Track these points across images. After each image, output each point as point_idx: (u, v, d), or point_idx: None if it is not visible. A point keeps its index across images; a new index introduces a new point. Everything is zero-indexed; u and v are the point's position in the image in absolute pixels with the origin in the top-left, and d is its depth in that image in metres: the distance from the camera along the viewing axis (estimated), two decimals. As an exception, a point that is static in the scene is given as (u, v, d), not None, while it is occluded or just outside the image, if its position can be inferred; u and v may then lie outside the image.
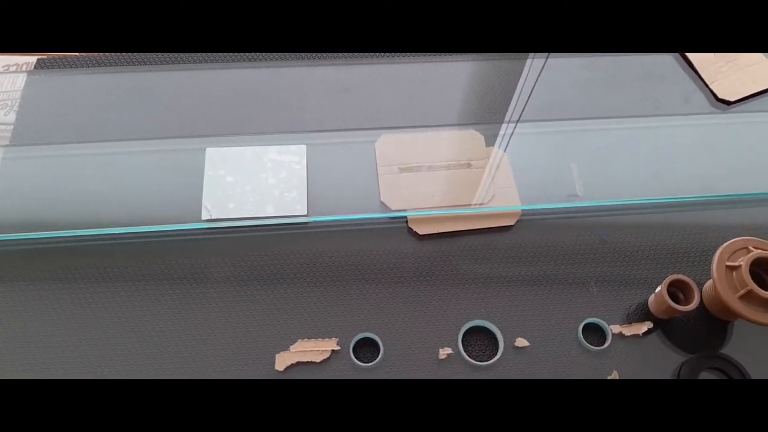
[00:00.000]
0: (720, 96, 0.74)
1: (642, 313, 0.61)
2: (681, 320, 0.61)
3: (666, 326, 0.60)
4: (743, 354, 0.59)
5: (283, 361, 0.56)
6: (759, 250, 0.57)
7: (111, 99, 0.72)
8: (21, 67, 0.76)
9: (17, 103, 0.71)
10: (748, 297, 0.55)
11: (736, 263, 0.56)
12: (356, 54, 0.75)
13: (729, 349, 0.59)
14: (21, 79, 0.73)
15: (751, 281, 0.54)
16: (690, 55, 0.76)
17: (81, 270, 0.60)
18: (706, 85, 0.75)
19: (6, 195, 0.65)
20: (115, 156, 0.67)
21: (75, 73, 0.74)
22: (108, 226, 0.62)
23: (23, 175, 0.66)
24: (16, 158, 0.67)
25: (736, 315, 0.55)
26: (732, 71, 0.75)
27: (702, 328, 0.61)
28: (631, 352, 0.59)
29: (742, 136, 0.72)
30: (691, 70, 0.76)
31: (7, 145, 0.67)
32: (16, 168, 0.66)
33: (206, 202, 0.63)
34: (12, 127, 0.69)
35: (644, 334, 0.60)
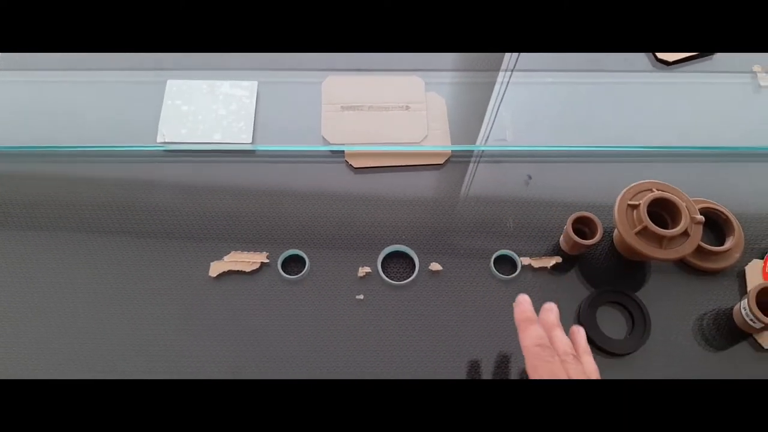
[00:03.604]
0: (660, 56, 0.76)
1: (554, 251, 0.65)
2: (589, 258, 0.65)
3: (575, 262, 0.65)
4: (645, 294, 0.63)
5: (216, 269, 0.62)
6: (660, 192, 0.61)
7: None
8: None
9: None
10: (644, 233, 0.59)
11: (637, 202, 0.60)
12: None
13: (632, 288, 0.63)
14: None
15: (647, 218, 0.58)
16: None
17: (43, 183, 0.68)
18: (648, 46, 0.78)
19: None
20: (88, 84, 0.74)
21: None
22: (75, 144, 0.69)
23: (5, 96, 0.73)
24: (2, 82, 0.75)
25: (634, 251, 0.59)
26: (675, 34, 0.78)
27: (609, 267, 0.65)
28: (538, 283, 0.63)
29: (674, 95, 0.75)
30: (635, 31, 0.79)
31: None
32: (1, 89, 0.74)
33: (162, 127, 0.69)
34: (-1, 54, 0.77)
35: (552, 268, 0.64)
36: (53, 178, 0.68)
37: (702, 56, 0.78)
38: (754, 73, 0.77)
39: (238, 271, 0.62)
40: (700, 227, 0.60)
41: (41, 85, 0.74)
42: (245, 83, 0.72)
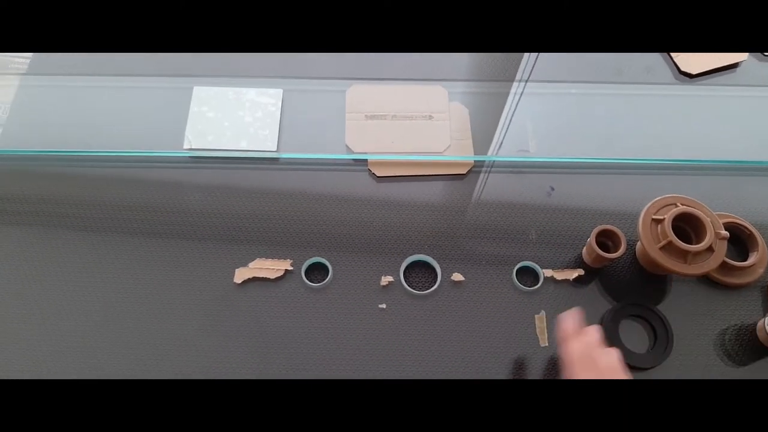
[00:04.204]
0: (683, 69, 0.76)
1: (577, 263, 0.65)
2: (612, 271, 0.65)
3: (597, 275, 0.65)
4: (667, 307, 0.63)
5: (241, 275, 0.63)
6: (685, 206, 0.61)
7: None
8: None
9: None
10: (669, 248, 0.59)
11: (661, 217, 0.60)
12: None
13: (655, 301, 0.63)
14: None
15: (672, 233, 0.58)
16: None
17: (73, 186, 0.69)
18: (671, 58, 0.77)
19: (19, 115, 0.73)
20: (117, 89, 0.75)
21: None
22: (105, 149, 0.70)
23: (37, 100, 0.74)
24: (31, 86, 0.76)
25: (657, 265, 0.59)
26: (699, 46, 0.78)
27: (632, 280, 0.65)
28: (560, 295, 0.64)
29: (698, 108, 0.75)
30: (658, 43, 0.79)
31: (23, 74, 0.76)
32: (31, 94, 0.75)
33: (188, 134, 0.70)
34: (30, 59, 0.78)
35: (575, 280, 0.64)
36: (79, 181, 0.69)
37: (725, 69, 0.77)
38: (779, 86, 0.77)
39: (262, 278, 0.63)
40: (725, 243, 0.60)
41: (70, 90, 0.75)
42: (271, 91, 0.73)
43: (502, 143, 0.72)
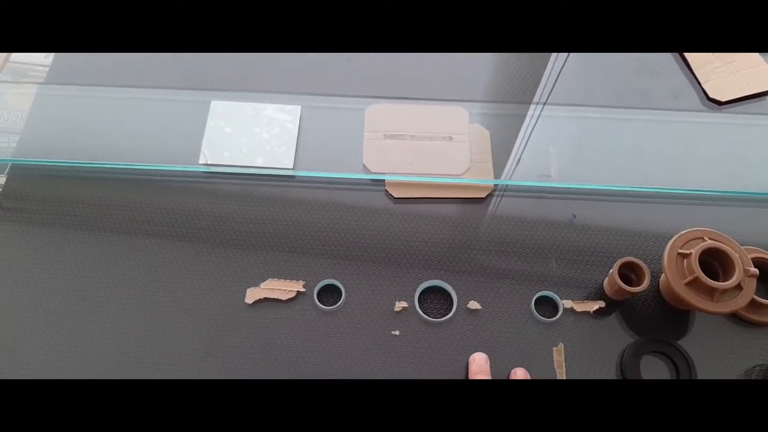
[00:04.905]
0: (711, 95, 0.74)
1: (597, 294, 0.63)
2: (634, 304, 0.63)
3: (618, 308, 0.63)
4: (691, 344, 0.61)
5: (252, 295, 0.62)
6: (712, 241, 0.58)
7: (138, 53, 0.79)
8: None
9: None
10: (695, 284, 0.57)
11: (688, 251, 0.58)
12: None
13: (678, 337, 0.61)
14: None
15: (699, 269, 0.56)
16: (687, 53, 0.77)
17: (89, 197, 0.68)
18: (699, 84, 0.75)
19: (37, 125, 0.73)
20: (133, 100, 0.74)
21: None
22: (119, 161, 0.69)
23: (53, 109, 0.74)
24: (48, 95, 0.75)
25: (683, 301, 0.57)
26: (728, 72, 0.76)
27: (654, 314, 0.62)
28: (579, 327, 0.62)
29: (727, 136, 0.73)
30: (686, 67, 0.77)
31: (41, 83, 0.76)
32: (48, 103, 0.75)
33: (204, 149, 0.69)
34: (48, 68, 0.78)
35: (595, 312, 0.62)
36: (91, 195, 0.68)
37: (755, 96, 0.75)
38: (811, 116, 0.74)
39: (274, 299, 0.62)
40: (754, 280, 0.57)
41: (88, 101, 0.74)
42: (289, 107, 0.72)
43: (522, 167, 0.70)
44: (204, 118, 0.72)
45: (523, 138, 0.72)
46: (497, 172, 0.69)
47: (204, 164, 0.68)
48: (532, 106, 0.74)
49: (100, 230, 0.66)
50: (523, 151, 0.71)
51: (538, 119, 0.74)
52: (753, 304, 0.61)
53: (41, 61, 0.80)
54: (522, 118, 0.74)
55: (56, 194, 0.68)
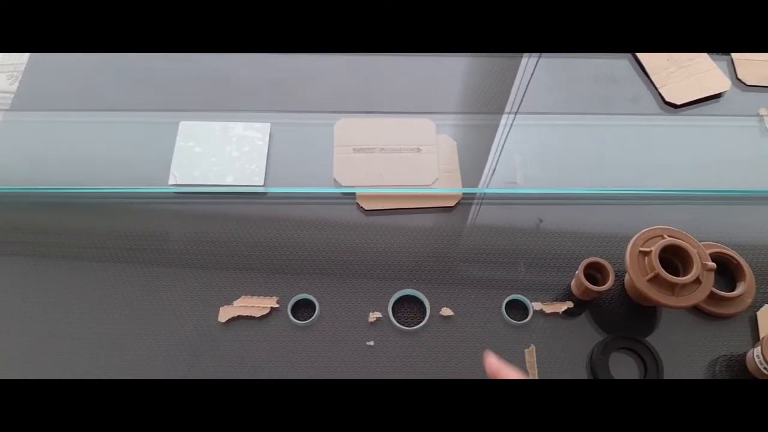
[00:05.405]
0: (668, 99, 0.77)
1: (565, 295, 0.65)
2: (601, 303, 0.65)
3: (586, 308, 0.64)
4: (657, 339, 0.63)
5: (226, 314, 0.62)
6: (671, 238, 0.61)
7: (104, 76, 0.79)
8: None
9: (21, 75, 0.80)
10: (656, 280, 0.59)
11: (648, 249, 0.60)
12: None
13: (644, 333, 0.63)
14: (26, 56, 0.82)
15: (659, 265, 0.58)
16: (642, 59, 0.80)
17: (60, 224, 0.68)
18: (656, 89, 0.78)
19: (1, 152, 0.72)
20: (100, 124, 0.74)
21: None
22: (88, 185, 0.69)
23: (20, 136, 0.74)
24: (13, 121, 0.75)
25: (646, 297, 0.59)
26: (683, 77, 0.79)
27: (621, 312, 0.64)
28: (549, 328, 0.63)
29: (684, 137, 0.76)
30: (643, 73, 0.80)
31: (7, 110, 0.76)
32: (13, 129, 0.74)
33: (174, 169, 0.70)
34: (13, 95, 0.78)
35: (564, 312, 0.64)
36: (60, 219, 0.68)
37: (709, 99, 0.78)
38: (761, 116, 0.77)
39: (247, 316, 0.62)
40: (712, 274, 0.60)
41: (54, 126, 0.74)
42: (258, 125, 0.73)
43: (490, 175, 0.72)
44: (173, 138, 0.72)
45: (489, 147, 0.74)
46: (465, 181, 0.71)
47: (174, 185, 0.69)
48: (497, 116, 0.77)
49: (69, 258, 0.66)
50: (489, 160, 0.73)
51: (504, 128, 0.76)
52: (713, 297, 0.63)
53: (6, 87, 0.80)
54: (488, 127, 0.76)
55: (23, 222, 0.68)
